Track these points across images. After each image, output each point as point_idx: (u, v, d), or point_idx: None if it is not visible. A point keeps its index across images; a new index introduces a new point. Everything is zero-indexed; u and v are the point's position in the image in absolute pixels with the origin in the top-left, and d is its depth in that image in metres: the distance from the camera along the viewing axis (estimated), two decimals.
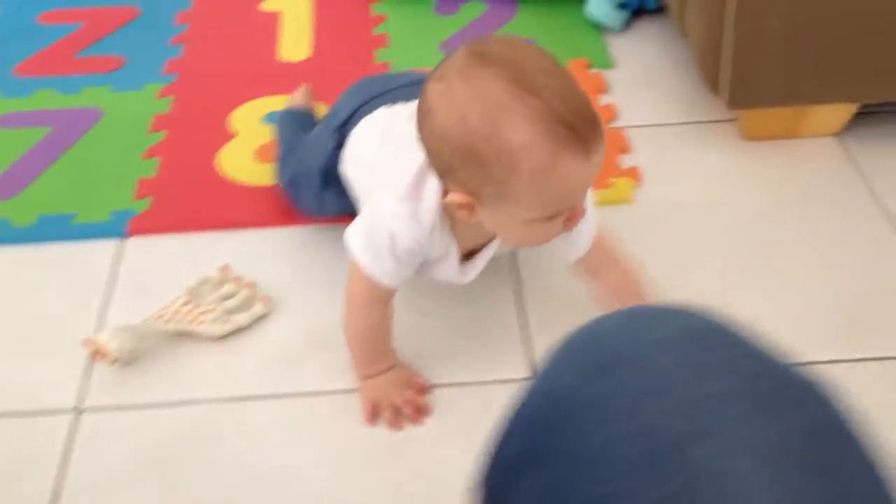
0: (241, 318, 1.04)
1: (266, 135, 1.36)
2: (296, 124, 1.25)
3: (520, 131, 0.76)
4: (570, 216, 0.84)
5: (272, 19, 1.65)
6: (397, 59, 1.52)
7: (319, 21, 1.64)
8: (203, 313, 1.03)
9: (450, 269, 0.95)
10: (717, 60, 1.25)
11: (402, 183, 0.88)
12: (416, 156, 0.87)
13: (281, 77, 1.49)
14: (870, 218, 1.20)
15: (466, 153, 0.79)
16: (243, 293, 1.07)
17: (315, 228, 1.18)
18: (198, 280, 1.08)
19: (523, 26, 1.60)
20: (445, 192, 0.85)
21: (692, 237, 1.18)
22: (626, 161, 1.30)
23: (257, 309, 1.05)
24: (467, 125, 0.78)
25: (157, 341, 1.03)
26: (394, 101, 1.02)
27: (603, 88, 1.45)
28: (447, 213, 0.88)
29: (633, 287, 1.00)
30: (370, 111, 1.03)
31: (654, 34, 1.57)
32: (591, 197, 0.92)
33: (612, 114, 1.40)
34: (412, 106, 0.95)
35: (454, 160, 0.80)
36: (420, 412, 0.97)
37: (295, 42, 1.59)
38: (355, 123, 1.03)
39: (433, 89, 0.81)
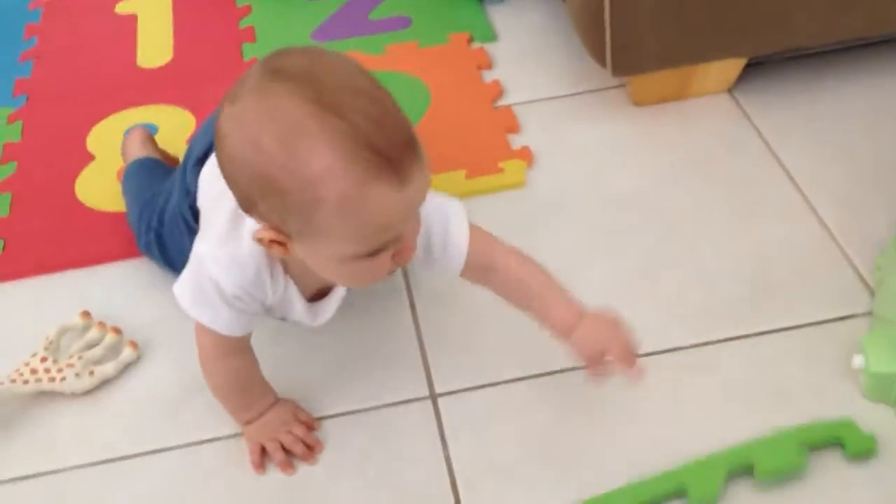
0: (107, 369, 0.95)
1: None
2: (144, 176, 1.11)
3: (320, 156, 0.66)
4: (397, 251, 0.74)
5: (129, 23, 1.53)
6: (266, 52, 1.40)
7: (180, 20, 1.53)
8: (64, 368, 0.94)
9: (297, 313, 0.86)
10: (598, 27, 1.19)
11: (219, 223, 0.79)
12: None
13: (141, 86, 1.39)
14: (767, 173, 1.15)
15: (264, 182, 0.69)
16: (108, 339, 0.97)
17: None
18: (57, 330, 0.98)
19: (399, 3, 1.51)
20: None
21: (591, 216, 1.11)
22: (517, 141, 1.24)
23: (125, 355, 0.96)
24: (262, 151, 0.68)
25: (14, 407, 0.94)
26: None
27: (487, 64, 1.38)
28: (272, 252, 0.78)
29: (536, 276, 0.88)
30: None
31: (535, 3, 1.50)
32: (450, 201, 0.84)
33: (499, 90, 1.32)
34: None
35: (252, 191, 0.70)
36: (312, 449, 0.89)
37: (154, 46, 1.48)
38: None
39: (226, 112, 0.70)
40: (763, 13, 1.17)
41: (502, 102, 1.31)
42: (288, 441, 0.88)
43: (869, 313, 0.97)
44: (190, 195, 0.94)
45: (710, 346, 0.96)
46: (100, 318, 1.01)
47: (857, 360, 0.89)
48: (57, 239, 1.14)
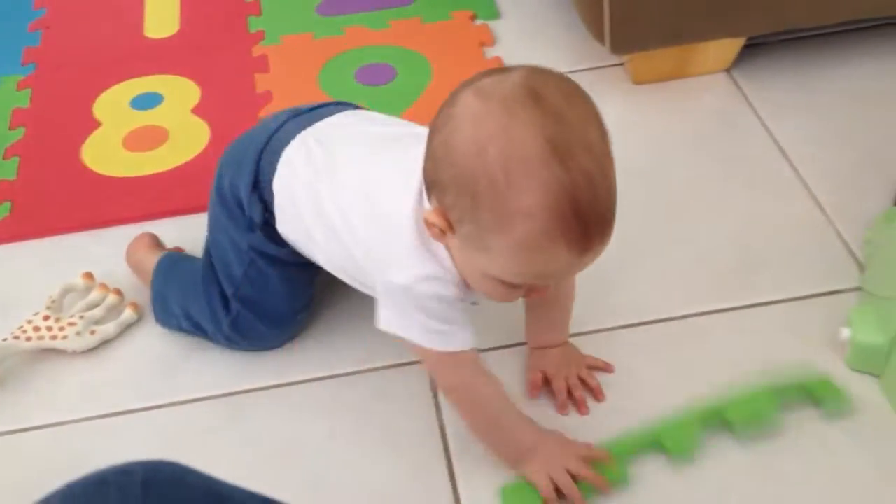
0: (108, 329, 0.97)
1: (136, 119, 1.28)
2: (181, 268, 1.01)
3: (530, 197, 0.67)
4: (535, 291, 0.77)
5: None
6: (272, 26, 1.44)
7: None
8: (66, 326, 0.96)
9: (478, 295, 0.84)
10: (598, 5, 1.20)
11: (403, 230, 0.78)
12: (389, 167, 0.80)
13: (148, 56, 1.41)
14: (762, 151, 1.17)
15: (466, 184, 0.70)
16: (110, 300, 1.00)
17: (186, 220, 1.10)
18: (60, 290, 1.01)
19: None
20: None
21: None
22: None
23: (126, 316, 0.98)
24: (482, 158, 0.68)
25: (17, 362, 0.96)
26: (293, 133, 0.90)
27: (490, 41, 1.39)
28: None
29: (567, 301, 0.92)
30: (279, 150, 0.89)
31: None
32: None
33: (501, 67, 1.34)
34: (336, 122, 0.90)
35: (450, 181, 0.71)
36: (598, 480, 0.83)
37: (161, 17, 1.49)
38: (270, 177, 0.89)
39: (468, 101, 0.71)
40: None
41: None
42: (576, 467, 0.82)
43: (857, 288, 0.99)
44: (256, 224, 0.91)
45: (701, 317, 0.98)
46: (102, 280, 1.03)
47: (844, 333, 0.91)
48: (63, 202, 1.16)
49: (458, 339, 0.81)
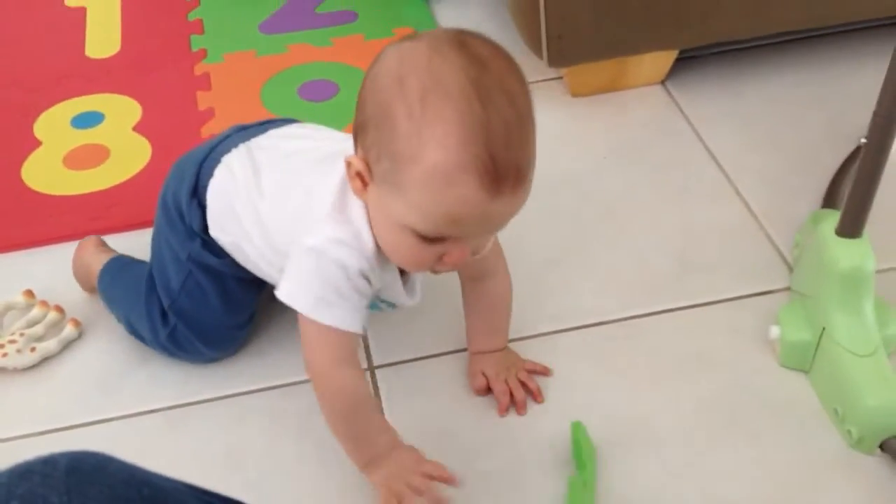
0: (50, 346, 0.97)
1: (77, 138, 1.28)
2: (126, 274, 1.00)
3: (444, 124, 0.68)
4: (448, 253, 0.75)
5: (78, 15, 1.55)
6: (214, 43, 1.45)
7: (129, 13, 1.55)
8: (6, 344, 0.95)
9: (397, 290, 0.84)
10: (535, 20, 1.23)
11: (324, 204, 0.78)
12: (322, 173, 0.80)
13: (89, 75, 1.41)
14: (696, 158, 1.20)
15: (384, 115, 0.70)
16: (51, 317, 0.99)
17: (127, 237, 1.10)
18: (0, 308, 1.00)
19: None
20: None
21: (529, 202, 1.15)
22: None
23: (67, 332, 0.98)
24: (401, 88, 0.69)
25: None
26: (236, 142, 0.91)
27: None
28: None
29: (503, 308, 0.94)
30: (220, 158, 0.90)
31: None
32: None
33: None
34: (274, 134, 0.92)
35: (370, 117, 0.72)
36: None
37: (103, 37, 1.49)
38: (208, 182, 0.90)
39: (396, 45, 0.73)
40: (695, 6, 1.22)
41: None
42: (419, 484, 0.80)
43: (787, 289, 1.02)
44: (196, 232, 0.91)
45: (637, 320, 1.00)
46: (43, 298, 1.03)
47: (774, 331, 0.94)
48: (3, 220, 1.16)
49: (341, 317, 0.79)
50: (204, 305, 0.93)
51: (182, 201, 0.91)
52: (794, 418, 0.90)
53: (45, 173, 1.23)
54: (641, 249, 1.08)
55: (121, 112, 1.32)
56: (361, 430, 0.83)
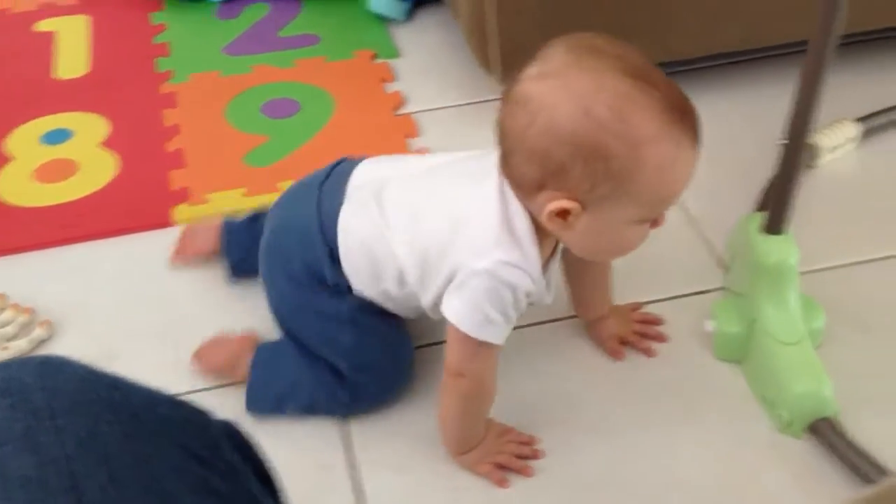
0: (21, 344, 1.01)
1: (47, 153, 1.32)
2: (276, 362, 0.98)
3: (650, 124, 0.74)
4: (657, 220, 0.82)
5: (47, 39, 1.59)
6: (180, 65, 1.50)
7: (97, 36, 1.59)
8: None
9: (542, 292, 0.87)
10: (486, 40, 1.30)
11: (489, 228, 0.81)
12: (478, 196, 0.82)
13: (59, 95, 1.45)
14: None
15: (590, 148, 0.74)
16: (21, 319, 1.03)
17: (97, 245, 1.15)
18: None
19: (308, 23, 1.60)
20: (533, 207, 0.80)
21: None
22: (416, 143, 1.33)
23: (37, 333, 1.02)
24: (594, 118, 0.73)
25: None
26: (337, 194, 0.92)
27: (390, 77, 1.48)
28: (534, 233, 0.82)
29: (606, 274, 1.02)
30: (334, 217, 0.90)
31: (436, 22, 1.61)
32: None
33: (400, 100, 1.42)
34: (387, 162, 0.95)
35: (570, 159, 0.74)
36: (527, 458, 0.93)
37: (72, 59, 1.54)
38: (335, 219, 0.90)
39: (538, 88, 0.75)
40: (643, 26, 1.29)
41: (403, 111, 1.41)
42: (504, 460, 0.91)
43: (722, 288, 1.08)
44: (347, 287, 0.92)
45: (578, 318, 1.06)
46: (15, 301, 1.06)
47: (709, 325, 1.00)
48: None
49: (500, 335, 0.84)
50: (379, 349, 0.94)
51: (322, 268, 0.91)
52: (728, 406, 0.96)
53: (16, 187, 1.27)
54: None
55: (89, 129, 1.37)
56: (475, 428, 0.91)
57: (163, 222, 1.21)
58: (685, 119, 0.76)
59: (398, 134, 1.35)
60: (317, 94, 1.42)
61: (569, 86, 0.74)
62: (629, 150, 0.74)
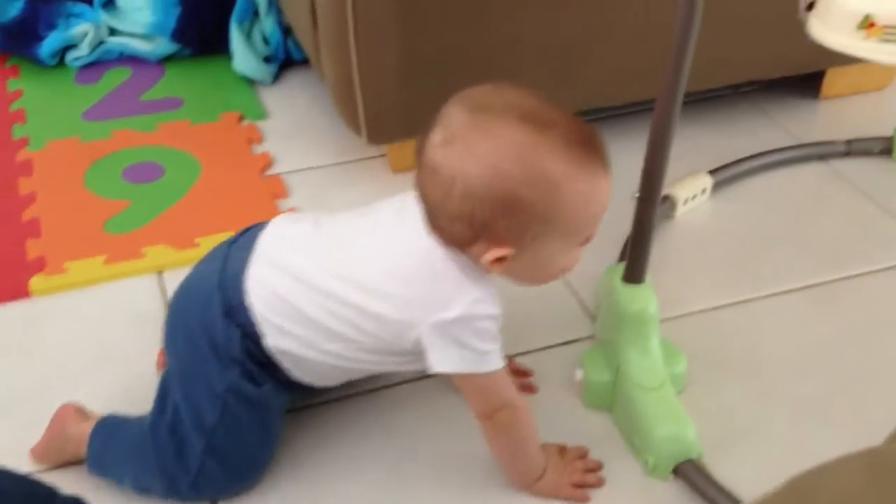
0: None
1: None
2: (125, 429, 0.94)
3: (557, 164, 0.76)
4: (589, 237, 0.84)
5: None
6: (36, 132, 1.46)
7: None
8: None
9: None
10: (353, 101, 1.31)
11: (447, 284, 0.83)
12: (414, 249, 0.83)
13: None
14: None
15: (509, 202, 0.76)
16: None
17: None
18: None
19: (171, 86, 1.58)
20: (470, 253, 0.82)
21: None
22: (285, 204, 1.33)
23: None
24: (503, 174, 0.76)
25: None
26: (245, 252, 0.89)
27: (257, 138, 1.47)
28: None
29: None
30: (241, 272, 0.88)
31: (303, 83, 1.62)
32: None
33: (268, 161, 1.41)
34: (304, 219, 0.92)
35: (492, 215, 0.77)
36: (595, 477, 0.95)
37: None
38: (241, 297, 0.87)
39: (445, 155, 0.77)
40: (498, 80, 1.33)
41: (271, 172, 1.40)
42: (579, 479, 0.94)
43: (591, 337, 1.11)
44: (236, 358, 0.87)
45: None
46: None
47: (578, 374, 1.02)
48: None
49: (498, 359, 0.86)
50: (240, 439, 0.90)
51: (215, 328, 0.87)
52: (599, 453, 0.98)
53: None
54: None
55: None
56: (532, 451, 0.92)
57: (20, 293, 1.16)
58: (589, 148, 0.79)
59: (266, 195, 1.34)
60: (181, 158, 1.40)
61: (472, 149, 0.77)
62: (545, 195, 0.77)
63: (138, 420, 0.93)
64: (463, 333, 0.84)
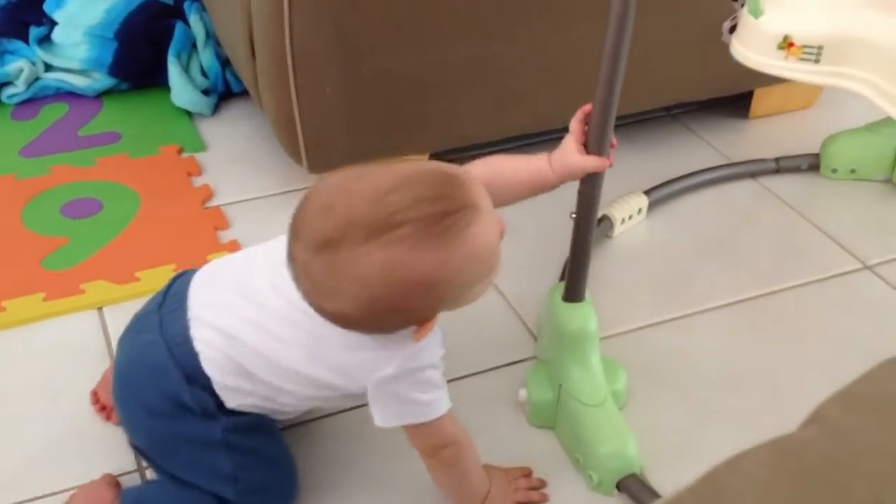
0: None
1: None
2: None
3: (424, 262, 0.74)
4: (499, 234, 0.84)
5: None
6: None
7: None
8: None
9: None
10: (293, 131, 1.32)
11: (376, 343, 0.83)
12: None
13: None
14: None
15: (403, 306, 0.77)
16: None
17: None
18: None
19: (109, 120, 1.58)
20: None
21: None
22: (226, 236, 1.32)
23: None
24: (380, 299, 0.75)
25: None
26: (178, 314, 0.88)
27: (196, 171, 1.46)
28: None
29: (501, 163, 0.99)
30: (186, 336, 0.86)
31: (243, 114, 1.62)
32: None
33: (209, 193, 1.41)
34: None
35: (398, 318, 0.79)
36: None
37: None
38: (196, 364, 0.85)
39: (321, 306, 0.78)
40: (438, 113, 1.35)
41: (212, 203, 1.40)
42: (524, 497, 0.95)
43: (534, 357, 1.13)
44: (214, 409, 0.86)
45: None
46: None
47: (522, 393, 1.04)
48: None
49: (443, 403, 0.86)
50: (264, 465, 0.90)
51: (181, 396, 0.85)
52: (544, 470, 0.99)
53: None
54: None
55: None
56: (476, 477, 0.93)
57: None
58: (447, 218, 0.75)
59: (207, 227, 1.33)
60: (120, 192, 1.39)
61: (339, 295, 0.76)
62: (427, 293, 0.77)
63: (162, 483, 0.91)
64: (403, 388, 0.84)
